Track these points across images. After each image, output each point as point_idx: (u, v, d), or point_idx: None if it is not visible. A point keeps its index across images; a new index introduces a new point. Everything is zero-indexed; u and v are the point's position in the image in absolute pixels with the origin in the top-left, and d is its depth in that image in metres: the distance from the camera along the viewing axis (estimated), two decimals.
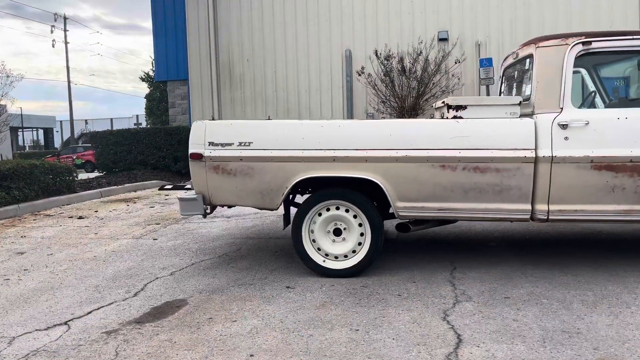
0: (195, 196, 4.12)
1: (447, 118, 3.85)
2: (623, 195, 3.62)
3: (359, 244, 4.02)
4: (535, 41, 3.82)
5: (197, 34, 13.71)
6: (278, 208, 4.10)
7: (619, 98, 3.77)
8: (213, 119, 4.18)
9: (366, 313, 3.29)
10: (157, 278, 4.24)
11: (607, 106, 3.79)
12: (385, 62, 11.59)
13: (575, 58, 3.69)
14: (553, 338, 2.82)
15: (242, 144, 4.00)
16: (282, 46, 13.31)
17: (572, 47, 3.68)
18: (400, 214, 3.91)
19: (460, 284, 3.78)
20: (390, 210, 4.17)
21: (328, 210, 4.05)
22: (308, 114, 13.10)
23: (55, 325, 3.29)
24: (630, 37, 3.64)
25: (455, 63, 11.51)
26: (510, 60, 4.67)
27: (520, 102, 3.73)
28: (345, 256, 4.05)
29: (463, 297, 3.51)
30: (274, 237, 5.55)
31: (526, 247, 4.80)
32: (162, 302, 3.66)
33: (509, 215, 3.79)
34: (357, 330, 3.04)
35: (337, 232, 4.06)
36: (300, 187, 4.15)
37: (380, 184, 3.84)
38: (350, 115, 12.71)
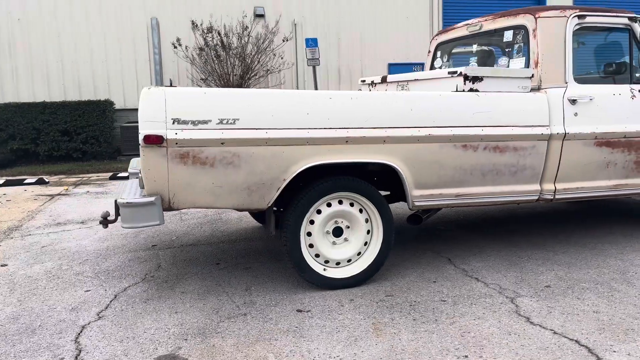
0: (151, 199, 2.80)
1: (463, 91, 3.37)
2: (614, 170, 3.69)
3: (365, 244, 3.29)
4: (532, 12, 3.60)
5: None
6: (268, 207, 3.07)
7: (604, 74, 3.85)
8: (171, 85, 2.90)
9: (444, 332, 2.64)
10: (83, 327, 2.79)
11: (598, 82, 3.81)
12: (207, 35, 10.43)
13: (573, 31, 3.59)
14: None
15: (224, 122, 2.85)
16: (66, 3, 10.88)
17: (570, 19, 3.56)
18: (416, 203, 3.31)
19: (482, 277, 3.39)
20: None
21: (329, 205, 3.19)
22: (107, 91, 11.04)
23: None
24: (615, 14, 3.70)
25: (283, 41, 11.01)
26: (459, 33, 4.41)
27: (533, 75, 3.48)
28: (349, 261, 3.28)
29: (510, 292, 3.13)
30: (187, 244, 4.31)
31: (478, 226, 4.67)
32: None
33: (520, 197, 3.53)
34: (467, 356, 2.39)
35: (337, 232, 3.25)
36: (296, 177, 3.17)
37: (399, 169, 3.17)
38: None
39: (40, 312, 2.99)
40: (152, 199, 2.79)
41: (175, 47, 10.66)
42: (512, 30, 3.80)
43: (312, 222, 3.17)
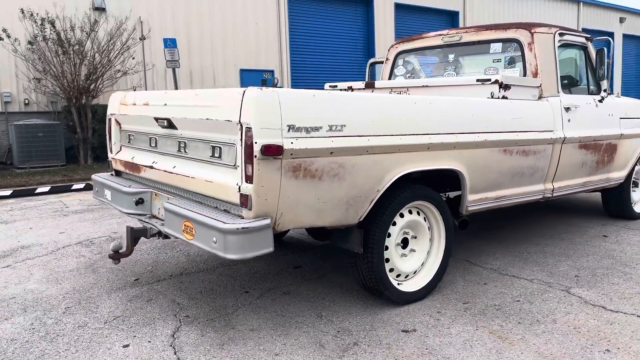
0: (267, 222, 2.30)
1: (498, 98, 3.50)
2: (585, 169, 4.23)
3: (427, 253, 3.20)
4: (526, 27, 3.91)
5: None
6: (359, 222, 2.78)
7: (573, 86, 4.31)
8: (276, 85, 2.43)
9: (559, 331, 2.73)
10: None
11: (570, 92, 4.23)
12: (43, 27, 8.83)
13: (558, 46, 4.01)
14: None
15: (334, 128, 2.49)
16: None
17: (555, 35, 3.97)
18: (469, 208, 3.34)
19: (517, 274, 3.57)
20: None
21: (402, 216, 3.02)
22: None
23: None
24: (579, 34, 4.24)
25: (140, 39, 9.90)
26: (430, 42, 4.56)
27: (541, 84, 3.79)
28: (415, 272, 3.15)
29: (557, 285, 3.36)
30: (177, 274, 3.61)
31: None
32: None
33: (532, 197, 3.81)
34: (609, 350, 2.52)
35: (403, 244, 3.10)
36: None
37: (465, 175, 3.17)
38: None
39: None
40: (267, 221, 2.30)
41: (0, 39, 8.82)
42: (501, 43, 4.08)
43: (388, 235, 2.97)
